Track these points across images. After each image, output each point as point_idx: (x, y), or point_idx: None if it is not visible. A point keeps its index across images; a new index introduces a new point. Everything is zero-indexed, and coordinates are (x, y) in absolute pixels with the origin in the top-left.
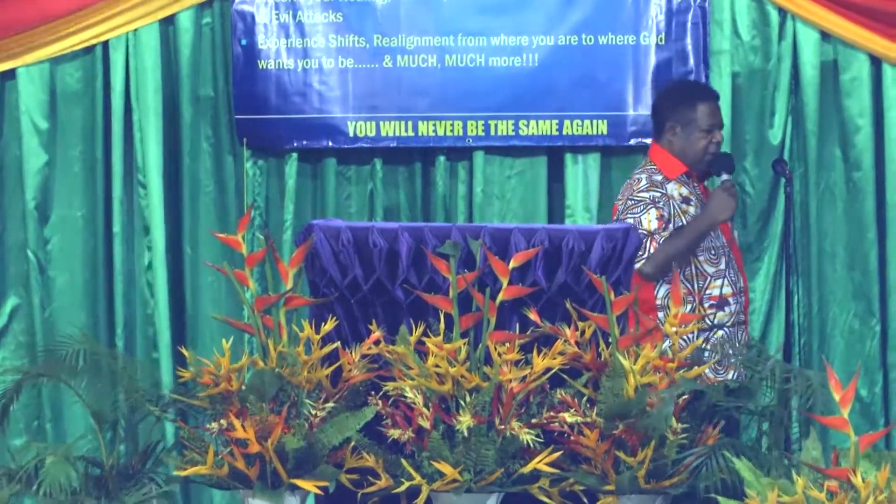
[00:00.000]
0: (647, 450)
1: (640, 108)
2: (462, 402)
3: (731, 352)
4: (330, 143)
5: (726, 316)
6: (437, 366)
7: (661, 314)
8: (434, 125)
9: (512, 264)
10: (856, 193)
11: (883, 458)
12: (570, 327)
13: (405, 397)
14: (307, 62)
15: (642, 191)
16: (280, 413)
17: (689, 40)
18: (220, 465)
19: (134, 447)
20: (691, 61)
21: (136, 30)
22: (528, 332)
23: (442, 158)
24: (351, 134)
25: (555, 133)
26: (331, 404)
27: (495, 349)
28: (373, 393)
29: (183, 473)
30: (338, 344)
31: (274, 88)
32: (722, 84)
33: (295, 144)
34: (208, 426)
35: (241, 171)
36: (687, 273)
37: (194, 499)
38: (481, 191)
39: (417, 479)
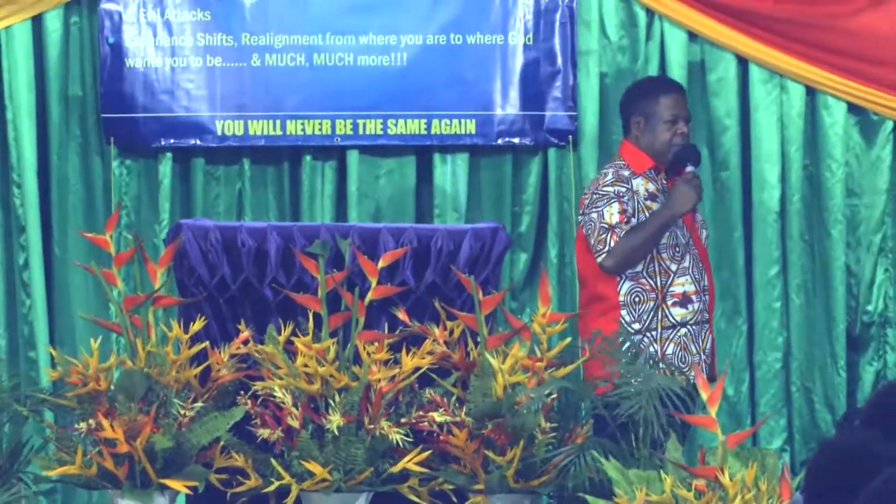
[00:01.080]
0: (516, 449)
1: (507, 107)
2: (331, 402)
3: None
4: (198, 142)
5: (689, 314)
6: (305, 365)
7: (623, 311)
8: (302, 124)
9: (381, 264)
10: (723, 193)
11: (750, 456)
12: (438, 327)
13: (274, 397)
14: (175, 60)
15: (607, 185)
16: (149, 413)
17: (556, 40)
18: (89, 466)
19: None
20: (559, 61)
21: (7, 27)
22: (396, 332)
23: (309, 158)
24: (219, 133)
25: (423, 132)
26: (200, 404)
27: (364, 349)
28: (242, 392)
29: (51, 473)
30: (206, 343)
31: (141, 87)
32: (589, 84)
33: (163, 143)
34: (76, 426)
35: (109, 170)
36: (650, 270)
37: (75, 499)
38: (350, 190)
39: (287, 478)
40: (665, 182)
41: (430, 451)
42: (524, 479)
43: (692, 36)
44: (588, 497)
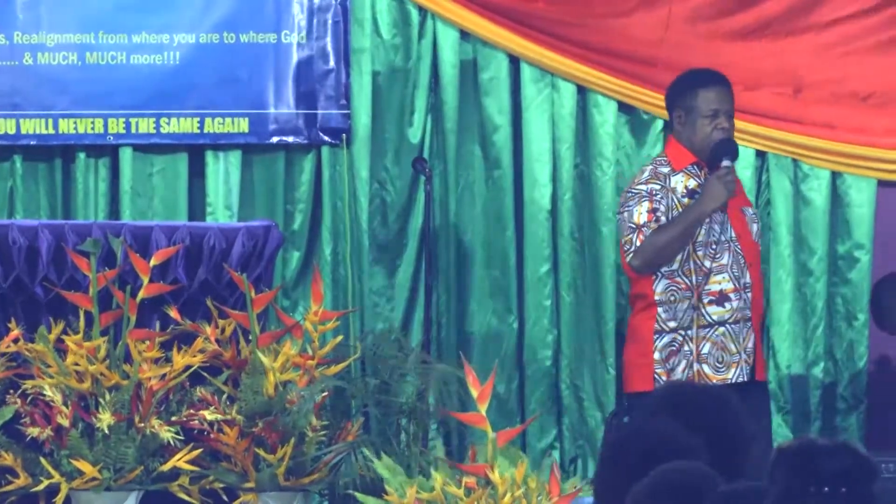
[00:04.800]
0: (287, 447)
1: (281, 106)
2: (102, 400)
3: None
4: None
5: (727, 312)
6: (76, 364)
7: (660, 309)
8: (75, 123)
9: (153, 262)
10: (495, 191)
11: (520, 454)
12: (210, 325)
13: (44, 395)
14: None
15: (641, 183)
16: None
17: (329, 39)
18: None
19: None
20: (332, 60)
21: None
22: (168, 330)
23: (83, 156)
24: None
25: (196, 131)
26: None
27: (135, 347)
28: (11, 391)
29: None
30: None
31: None
32: (363, 83)
33: None
34: None
35: None
36: (685, 268)
37: None
38: (123, 188)
39: (56, 477)
40: (707, 178)
41: (200, 450)
42: (295, 477)
43: (464, 35)
44: (359, 495)
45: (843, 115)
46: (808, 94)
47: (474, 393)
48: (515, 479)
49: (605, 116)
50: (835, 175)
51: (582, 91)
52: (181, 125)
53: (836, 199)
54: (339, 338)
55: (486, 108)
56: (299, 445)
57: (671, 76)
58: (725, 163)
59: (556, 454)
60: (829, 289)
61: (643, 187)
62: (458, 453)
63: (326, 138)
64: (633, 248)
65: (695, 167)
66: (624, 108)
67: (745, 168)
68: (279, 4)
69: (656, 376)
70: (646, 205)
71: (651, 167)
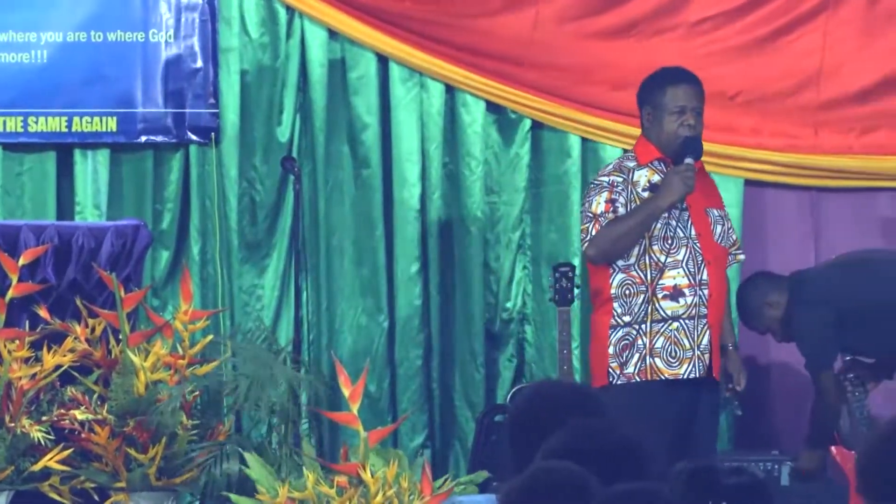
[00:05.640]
0: (158, 447)
1: (149, 105)
2: None
3: None
4: None
5: (681, 308)
6: None
7: (615, 304)
8: None
9: (21, 261)
10: (364, 190)
11: (391, 453)
12: (80, 324)
13: None
14: None
15: (604, 175)
16: None
17: (197, 37)
18: None
19: None
20: (200, 59)
21: None
22: (38, 330)
23: None
24: None
25: (64, 130)
26: None
27: (5, 346)
28: None
29: None
30: None
31: None
32: (231, 82)
33: None
34: None
35: None
36: (641, 262)
37: None
38: None
39: None
40: None
41: (71, 449)
42: (166, 476)
43: (332, 34)
44: (231, 495)
45: (710, 114)
46: None
47: (346, 392)
48: (387, 478)
49: (474, 116)
50: None
51: (450, 90)
52: (49, 124)
53: None
54: (210, 337)
55: (355, 107)
56: (170, 445)
57: (539, 76)
58: (688, 160)
59: (427, 453)
60: None
61: (605, 179)
62: (330, 453)
63: (195, 137)
64: (588, 238)
65: (660, 163)
66: (492, 107)
67: None
68: (147, 3)
69: (610, 370)
70: (605, 195)
71: (617, 161)
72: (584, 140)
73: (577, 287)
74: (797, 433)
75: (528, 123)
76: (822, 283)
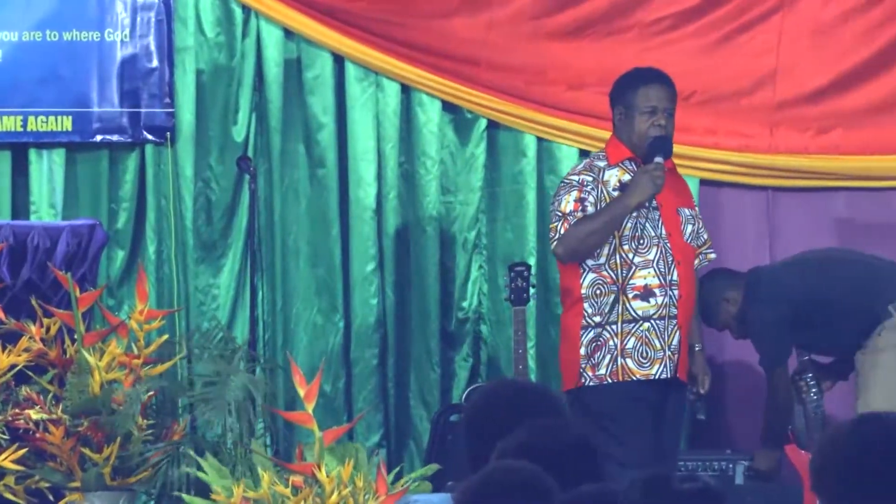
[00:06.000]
0: (113, 446)
1: (104, 104)
2: None
3: None
4: None
5: (652, 308)
6: None
7: (586, 304)
8: None
9: None
10: (320, 190)
11: (347, 452)
12: (35, 324)
13: None
14: None
15: (574, 174)
16: None
17: (153, 37)
18: None
19: None
20: (156, 58)
21: None
22: None
23: None
24: None
25: (19, 129)
26: None
27: None
28: None
29: None
30: None
31: None
32: (187, 81)
33: None
34: None
35: None
36: (611, 262)
37: None
38: None
39: None
40: None
41: (26, 449)
42: (121, 476)
43: (288, 33)
44: (185, 496)
45: None
46: None
47: (301, 392)
48: (342, 478)
49: (430, 115)
50: None
51: (406, 90)
52: (4, 123)
53: None
54: (165, 337)
55: (311, 106)
56: (125, 445)
57: (494, 76)
58: (658, 159)
59: (383, 452)
60: None
61: (575, 178)
62: (285, 452)
63: (150, 137)
64: (557, 237)
65: (631, 163)
66: (448, 107)
67: (568, 168)
68: (102, 3)
69: (582, 371)
70: (574, 194)
71: (588, 160)
72: (539, 140)
73: (533, 287)
74: (753, 433)
75: (483, 123)
76: (779, 280)
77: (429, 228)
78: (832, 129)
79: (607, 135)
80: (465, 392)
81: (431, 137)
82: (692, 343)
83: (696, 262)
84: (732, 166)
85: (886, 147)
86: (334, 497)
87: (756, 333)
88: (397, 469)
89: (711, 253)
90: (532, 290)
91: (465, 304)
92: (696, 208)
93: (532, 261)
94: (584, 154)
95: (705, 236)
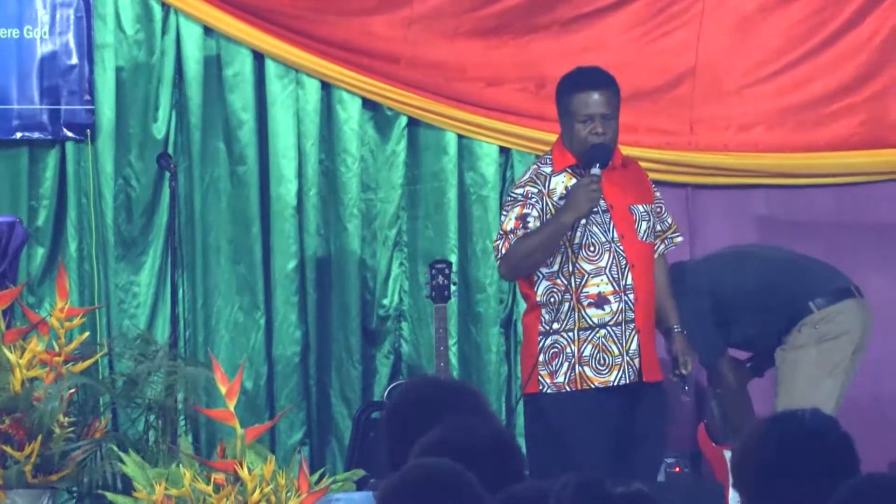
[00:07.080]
0: (34, 444)
1: (24, 101)
2: None
3: None
4: None
5: (607, 315)
6: None
7: (543, 311)
8: None
9: None
10: (240, 188)
11: (265, 452)
12: None
13: None
14: None
15: (520, 186)
16: None
17: (72, 34)
18: None
19: None
20: (75, 55)
21: None
22: None
23: None
24: None
25: None
26: None
27: None
28: None
29: None
30: None
31: None
32: (106, 78)
33: None
34: None
35: None
36: (564, 270)
37: None
38: None
39: None
40: None
41: None
42: (43, 474)
43: (208, 31)
44: (107, 493)
45: None
46: (552, 90)
47: (222, 389)
48: (264, 476)
49: (350, 113)
50: None
51: (326, 87)
52: None
53: None
54: (86, 334)
55: (231, 103)
56: (47, 442)
57: (414, 73)
58: (594, 170)
59: (305, 450)
60: None
61: (519, 191)
62: (206, 450)
63: (70, 134)
64: (499, 256)
65: (576, 168)
66: (368, 104)
67: (488, 165)
68: (21, 0)
69: (540, 378)
70: (516, 210)
71: (535, 166)
72: (460, 137)
73: (454, 284)
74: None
75: (404, 120)
76: (699, 274)
77: (349, 226)
78: (752, 127)
79: (527, 132)
80: (387, 389)
81: (352, 135)
82: (670, 326)
83: (662, 247)
84: (653, 164)
85: (806, 145)
86: (256, 494)
87: (686, 328)
88: (322, 470)
89: (678, 237)
90: (453, 288)
91: (385, 302)
92: (657, 195)
93: (453, 258)
94: (504, 151)
95: (669, 220)
